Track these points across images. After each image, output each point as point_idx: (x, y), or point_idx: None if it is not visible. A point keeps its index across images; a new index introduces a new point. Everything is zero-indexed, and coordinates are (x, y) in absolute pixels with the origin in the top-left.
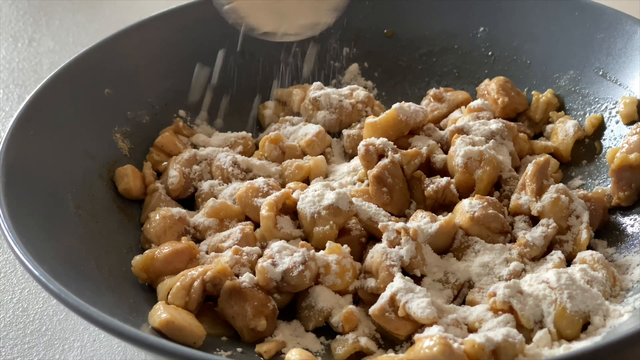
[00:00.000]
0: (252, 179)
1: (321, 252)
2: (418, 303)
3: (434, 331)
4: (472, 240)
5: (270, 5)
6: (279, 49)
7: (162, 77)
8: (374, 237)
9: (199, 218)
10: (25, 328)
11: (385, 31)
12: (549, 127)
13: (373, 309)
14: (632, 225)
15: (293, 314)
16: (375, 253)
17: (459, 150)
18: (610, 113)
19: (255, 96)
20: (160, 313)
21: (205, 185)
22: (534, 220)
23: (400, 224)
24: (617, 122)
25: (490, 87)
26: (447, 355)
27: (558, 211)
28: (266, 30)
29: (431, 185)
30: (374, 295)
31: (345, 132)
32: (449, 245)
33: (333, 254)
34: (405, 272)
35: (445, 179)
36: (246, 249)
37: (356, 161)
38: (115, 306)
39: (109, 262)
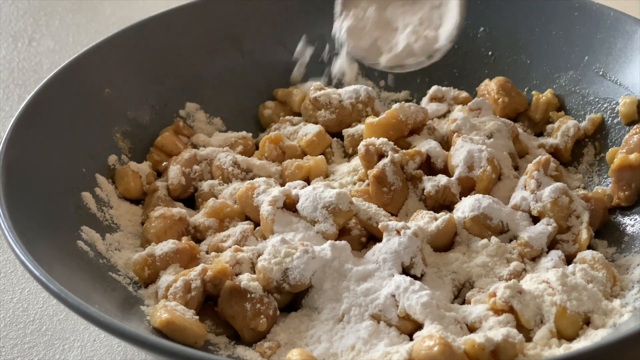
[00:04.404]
0: (252, 179)
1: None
2: (418, 303)
3: (433, 330)
4: (472, 239)
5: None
6: (279, 48)
7: (162, 77)
8: (374, 237)
9: (199, 218)
10: (25, 328)
11: None
12: (549, 127)
13: (373, 309)
14: (633, 225)
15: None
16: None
17: (459, 150)
18: (610, 113)
19: (256, 96)
20: (160, 313)
21: (205, 185)
22: (534, 220)
23: (400, 224)
24: (617, 122)
25: (490, 87)
26: (447, 355)
27: (558, 211)
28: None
29: (431, 185)
30: None
31: (345, 132)
32: (449, 244)
33: None
34: (405, 272)
35: (445, 179)
36: (246, 248)
37: (356, 161)
38: (116, 306)
39: (109, 262)
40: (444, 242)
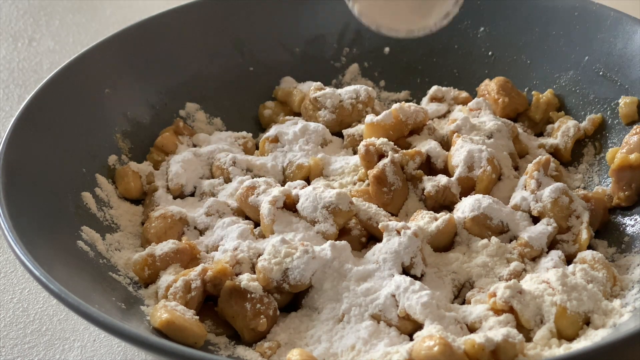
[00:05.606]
0: (252, 178)
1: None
2: (418, 303)
3: (433, 330)
4: (472, 239)
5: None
6: (279, 48)
7: (162, 77)
8: (374, 237)
9: (199, 217)
10: (25, 328)
11: None
12: (549, 127)
13: (373, 309)
14: (633, 225)
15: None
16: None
17: (459, 150)
18: (610, 113)
19: (256, 96)
20: (160, 313)
21: (205, 185)
22: (534, 220)
23: (400, 224)
24: (617, 122)
25: (491, 87)
26: (447, 355)
27: (558, 211)
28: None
29: (431, 185)
30: None
31: (345, 132)
32: (449, 244)
33: None
34: (405, 272)
35: (445, 179)
36: (246, 248)
37: (355, 157)
38: (116, 306)
39: (109, 262)
40: (444, 242)
